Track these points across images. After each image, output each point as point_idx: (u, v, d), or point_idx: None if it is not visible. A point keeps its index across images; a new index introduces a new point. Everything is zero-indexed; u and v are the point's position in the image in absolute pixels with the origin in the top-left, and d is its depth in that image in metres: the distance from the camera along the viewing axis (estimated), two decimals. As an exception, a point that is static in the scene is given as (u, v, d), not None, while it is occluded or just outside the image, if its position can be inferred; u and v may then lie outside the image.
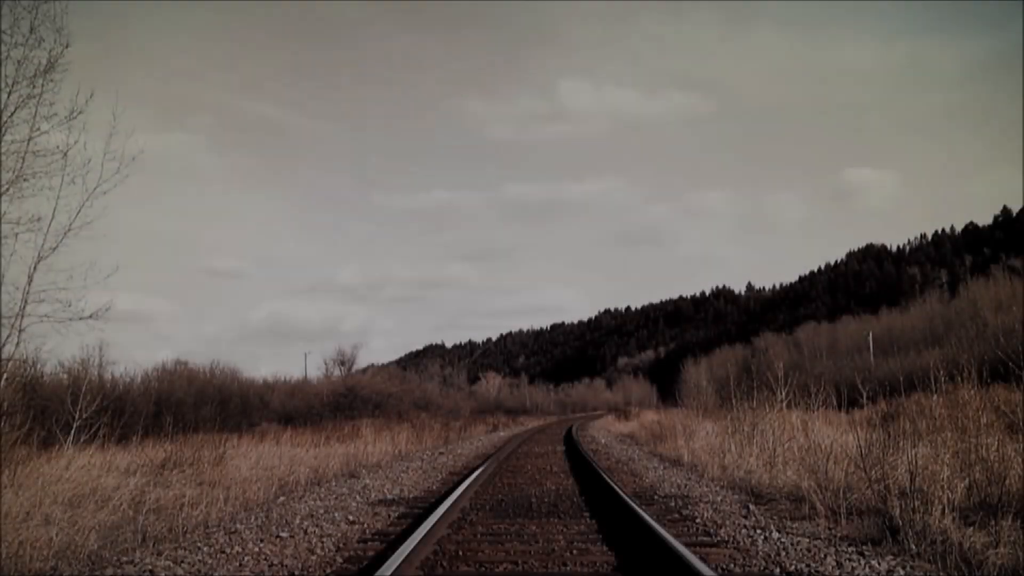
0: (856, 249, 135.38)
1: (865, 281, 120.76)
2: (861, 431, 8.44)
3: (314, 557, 5.60)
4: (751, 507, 7.47)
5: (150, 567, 5.15)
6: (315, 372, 50.63)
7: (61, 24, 8.35)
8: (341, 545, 6.05)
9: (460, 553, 5.45)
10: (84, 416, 11.93)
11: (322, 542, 6.12)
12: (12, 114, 8.13)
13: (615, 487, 8.39)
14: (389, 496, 9.22)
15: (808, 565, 4.96)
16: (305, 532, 6.54)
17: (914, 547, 5.19)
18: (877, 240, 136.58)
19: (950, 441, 7.53)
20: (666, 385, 70.16)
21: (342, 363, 44.48)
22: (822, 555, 5.21)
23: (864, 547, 5.42)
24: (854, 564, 4.93)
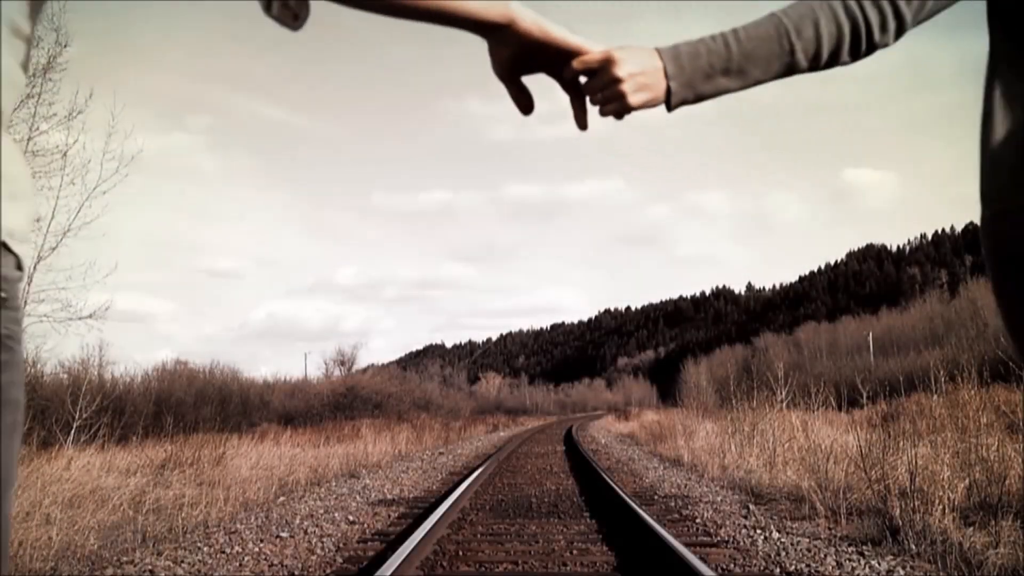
0: (856, 249, 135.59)
1: (865, 281, 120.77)
2: (861, 431, 8.44)
3: (314, 557, 5.60)
4: (751, 507, 7.47)
5: (150, 567, 5.15)
6: (315, 372, 50.51)
7: (59, 24, 8.35)
8: (341, 545, 6.05)
9: (460, 553, 5.45)
10: (84, 416, 11.93)
11: (322, 542, 6.12)
12: (11, 113, 8.11)
13: (615, 487, 8.39)
14: (389, 496, 9.22)
15: (808, 565, 4.96)
16: (305, 532, 6.54)
17: (914, 547, 5.19)
18: (877, 240, 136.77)
19: (950, 441, 7.53)
20: (666, 385, 70.19)
21: (342, 363, 44.40)
22: (822, 555, 5.21)
23: (864, 547, 5.42)
24: (854, 564, 4.93)
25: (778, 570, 4.92)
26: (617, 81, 1.13)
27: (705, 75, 1.17)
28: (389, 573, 4.28)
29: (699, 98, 1.19)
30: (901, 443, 7.14)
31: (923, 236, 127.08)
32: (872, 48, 1.22)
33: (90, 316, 8.46)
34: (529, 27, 1.12)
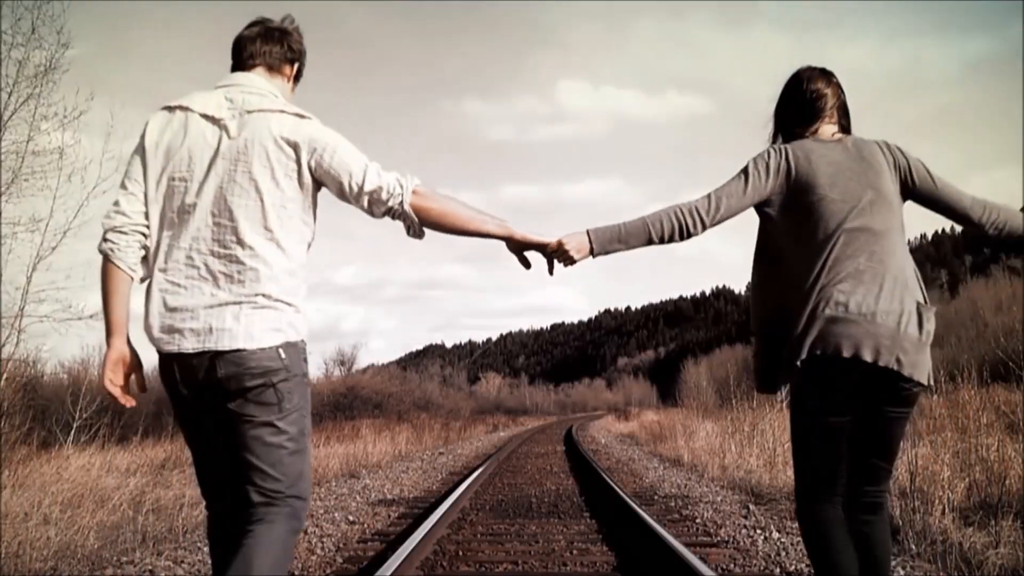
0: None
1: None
2: (861, 431, 8.43)
3: (314, 557, 5.60)
4: (751, 507, 7.47)
5: (150, 567, 5.15)
6: (315, 372, 50.44)
7: (61, 24, 8.40)
8: (341, 545, 6.05)
9: (460, 553, 5.45)
10: (84, 416, 11.93)
11: (322, 542, 6.12)
12: (12, 114, 8.15)
13: (615, 487, 8.40)
14: (389, 496, 9.22)
15: (808, 565, 4.96)
16: (305, 532, 6.53)
17: (914, 547, 5.19)
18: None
19: (950, 441, 7.52)
20: (666, 385, 70.15)
21: (342, 363, 44.34)
22: (822, 555, 5.21)
23: (864, 547, 5.42)
24: (854, 564, 4.93)
25: (778, 570, 4.92)
26: (567, 251, 2.47)
27: (609, 241, 2.49)
28: (389, 573, 4.28)
29: (607, 252, 2.51)
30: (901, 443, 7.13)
31: (923, 236, 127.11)
32: (691, 235, 2.47)
33: (91, 316, 8.47)
34: (520, 237, 2.46)
